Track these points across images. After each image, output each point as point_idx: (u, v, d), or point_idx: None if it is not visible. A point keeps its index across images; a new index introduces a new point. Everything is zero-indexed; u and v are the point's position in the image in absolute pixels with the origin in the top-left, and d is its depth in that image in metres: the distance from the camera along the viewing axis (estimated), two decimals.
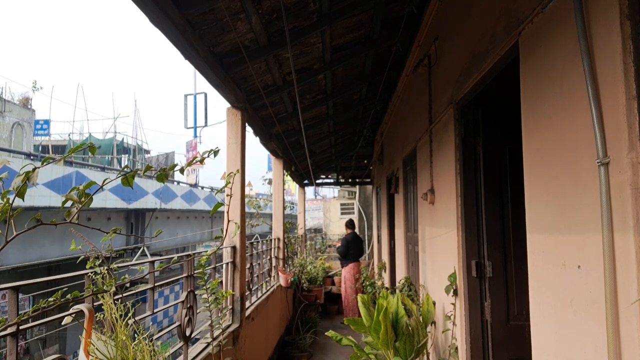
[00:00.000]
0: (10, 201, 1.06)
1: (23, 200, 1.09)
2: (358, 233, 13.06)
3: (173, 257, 2.32)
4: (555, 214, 1.63)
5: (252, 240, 4.80)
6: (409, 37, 4.28)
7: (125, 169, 1.29)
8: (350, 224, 8.20)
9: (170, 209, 19.10)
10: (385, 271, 8.03)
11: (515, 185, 2.62)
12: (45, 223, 1.16)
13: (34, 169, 1.08)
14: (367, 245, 12.15)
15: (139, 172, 1.36)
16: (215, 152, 1.54)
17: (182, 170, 1.45)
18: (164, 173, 1.37)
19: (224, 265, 3.44)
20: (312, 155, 7.44)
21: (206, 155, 1.52)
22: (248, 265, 4.11)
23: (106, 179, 1.25)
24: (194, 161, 1.53)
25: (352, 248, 7.83)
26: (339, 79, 4.95)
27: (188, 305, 2.51)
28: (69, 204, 1.18)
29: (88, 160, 17.31)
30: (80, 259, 1.76)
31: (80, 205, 1.17)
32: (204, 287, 2.78)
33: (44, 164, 1.10)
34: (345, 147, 9.30)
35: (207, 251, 2.85)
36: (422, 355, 3.05)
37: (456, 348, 3.01)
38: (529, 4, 1.77)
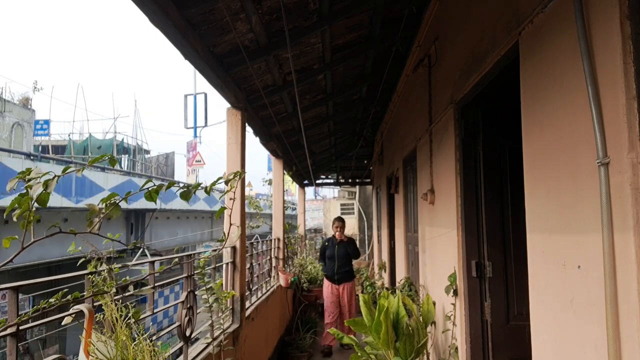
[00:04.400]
0: (31, 208, 1.06)
1: (45, 207, 1.09)
2: (358, 233, 13.11)
3: (174, 258, 2.32)
4: (555, 214, 1.63)
5: (252, 241, 4.80)
6: (409, 37, 4.28)
7: (149, 183, 1.28)
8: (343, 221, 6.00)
9: (170, 209, 19.08)
10: (385, 271, 8.03)
11: (515, 185, 2.62)
12: (64, 232, 1.15)
13: (54, 177, 1.08)
14: (367, 246, 12.15)
15: (163, 187, 1.36)
16: (240, 174, 1.56)
17: (207, 191, 1.47)
18: (188, 191, 1.38)
19: (224, 266, 3.44)
20: (312, 155, 7.44)
21: (231, 177, 1.54)
22: (248, 266, 4.10)
23: (129, 192, 1.25)
24: (217, 182, 1.55)
25: None
26: (339, 79, 4.95)
27: (188, 306, 2.51)
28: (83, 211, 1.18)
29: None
30: (80, 261, 1.77)
31: (102, 215, 1.17)
32: (204, 288, 2.78)
33: (65, 173, 1.10)
34: (345, 147, 9.30)
35: (206, 251, 2.86)
36: (422, 355, 3.05)
37: (456, 348, 3.01)
38: (529, 4, 1.77)
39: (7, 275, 11.26)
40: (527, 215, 1.87)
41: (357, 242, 12.61)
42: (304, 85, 4.32)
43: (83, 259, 1.75)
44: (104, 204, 1.19)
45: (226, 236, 2.07)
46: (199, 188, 1.46)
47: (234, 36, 2.74)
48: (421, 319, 3.21)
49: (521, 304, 2.66)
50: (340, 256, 5.64)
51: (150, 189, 1.28)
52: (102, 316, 1.69)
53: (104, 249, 1.76)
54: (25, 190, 1.07)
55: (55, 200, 11.68)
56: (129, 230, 16.70)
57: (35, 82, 26.19)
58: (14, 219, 1.07)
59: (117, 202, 1.19)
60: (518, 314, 2.71)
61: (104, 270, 1.70)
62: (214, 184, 1.53)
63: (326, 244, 5.91)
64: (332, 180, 12.38)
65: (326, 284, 5.77)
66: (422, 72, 3.93)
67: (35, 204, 1.08)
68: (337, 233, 5.72)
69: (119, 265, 1.80)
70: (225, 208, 1.83)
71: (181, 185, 1.41)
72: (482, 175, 2.82)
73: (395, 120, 6.40)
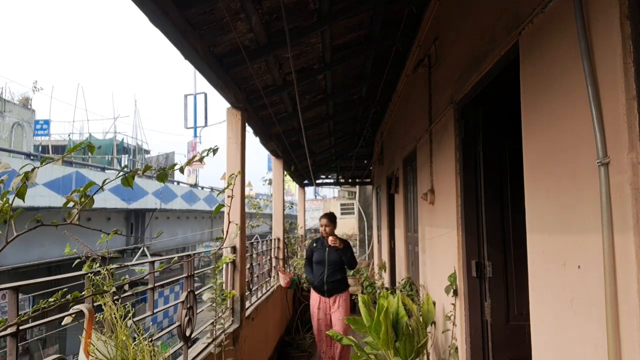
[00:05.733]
0: (10, 201, 1.06)
1: (23, 200, 1.09)
2: (358, 233, 13.09)
3: (173, 258, 2.32)
4: (555, 214, 1.63)
5: (252, 241, 4.80)
6: (409, 37, 4.28)
7: (125, 169, 1.30)
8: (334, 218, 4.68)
9: (170, 209, 19.10)
10: (385, 271, 8.03)
11: (515, 185, 2.62)
12: (46, 224, 1.16)
13: (33, 169, 1.08)
14: (367, 246, 12.15)
15: (138, 172, 1.37)
16: (214, 151, 1.54)
17: (181, 170, 1.46)
18: (164, 173, 1.38)
19: (224, 266, 3.44)
20: (312, 155, 7.44)
21: (205, 154, 1.52)
22: (248, 266, 4.10)
23: (106, 180, 1.26)
24: (194, 160, 1.53)
25: None
26: (339, 79, 4.95)
27: (188, 306, 2.51)
28: (70, 204, 1.19)
29: (88, 161, 17.32)
30: (76, 262, 1.77)
31: (80, 207, 1.17)
32: (212, 287, 2.78)
33: (43, 164, 1.10)
34: (345, 147, 9.30)
35: (208, 251, 2.86)
36: (422, 356, 3.05)
37: (456, 348, 3.01)
38: (529, 4, 1.77)
39: (7, 275, 11.27)
40: (527, 215, 1.87)
41: (357, 243, 12.62)
42: (304, 85, 4.32)
43: (78, 260, 1.75)
44: (80, 194, 1.19)
45: (225, 234, 2.07)
46: (174, 169, 1.47)
47: (234, 36, 2.74)
48: (421, 319, 3.21)
49: (521, 304, 2.66)
50: (332, 261, 4.40)
51: (127, 174, 1.30)
52: (101, 316, 1.69)
53: (103, 248, 1.76)
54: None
55: (55, 200, 11.69)
56: (129, 230, 16.70)
57: (35, 82, 26.25)
58: None
59: (93, 193, 1.20)
60: (518, 314, 2.71)
61: (103, 269, 1.70)
62: (189, 162, 1.52)
63: (314, 245, 4.63)
64: (332, 180, 12.39)
65: (313, 296, 4.51)
66: (422, 72, 3.93)
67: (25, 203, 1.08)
68: (331, 238, 4.37)
69: (116, 265, 1.80)
70: (223, 205, 1.82)
71: (158, 168, 1.41)
72: (482, 175, 2.82)
73: (395, 120, 6.40)
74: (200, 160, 1.53)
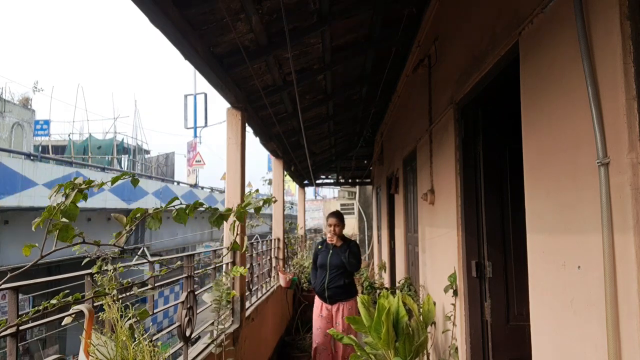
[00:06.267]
0: (54, 213, 1.05)
1: (74, 221, 1.08)
2: (358, 233, 13.08)
3: (173, 258, 2.32)
4: (555, 214, 1.63)
5: (252, 241, 4.80)
6: (409, 37, 4.28)
7: (176, 201, 1.22)
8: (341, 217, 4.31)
9: (170, 209, 19.04)
10: (385, 271, 8.04)
11: (516, 185, 2.62)
12: (89, 242, 1.13)
13: (74, 189, 1.07)
14: (367, 246, 12.16)
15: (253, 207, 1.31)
16: (274, 201, 1.51)
17: (257, 210, 1.40)
18: (221, 215, 1.33)
19: (224, 266, 3.44)
20: (312, 156, 7.43)
21: (262, 204, 1.49)
22: (248, 266, 4.10)
23: (159, 209, 1.20)
24: (255, 204, 1.47)
25: None
26: (339, 79, 4.95)
27: (188, 306, 2.51)
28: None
29: (88, 161, 17.31)
30: (85, 261, 1.77)
31: (127, 230, 1.14)
32: (219, 289, 2.79)
33: (90, 186, 1.09)
34: (345, 147, 9.30)
35: (208, 251, 2.86)
36: (422, 356, 3.05)
37: (456, 348, 3.01)
38: (529, 4, 1.77)
39: (7, 275, 11.26)
40: (527, 215, 1.87)
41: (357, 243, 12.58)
42: (304, 85, 4.32)
43: (88, 259, 1.75)
44: (131, 218, 1.17)
45: (234, 238, 2.06)
46: (231, 212, 1.40)
47: (234, 36, 2.74)
48: (421, 319, 3.21)
49: (521, 304, 2.66)
50: (334, 264, 4.04)
51: (177, 207, 1.15)
52: (103, 315, 1.69)
53: (108, 249, 1.76)
54: (63, 198, 1.07)
55: (56, 200, 11.66)
56: (129, 230, 16.66)
57: (36, 82, 26.27)
58: (33, 229, 1.07)
59: (159, 211, 1.16)
60: (518, 314, 2.71)
61: (109, 270, 1.70)
62: (243, 207, 1.47)
63: (319, 247, 4.30)
64: (332, 180, 12.40)
65: (316, 303, 4.20)
66: (422, 72, 3.93)
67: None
68: (329, 235, 4.13)
69: (123, 264, 1.80)
70: (237, 235, 1.81)
71: (205, 206, 1.32)
72: (482, 175, 2.82)
73: (395, 120, 6.40)
74: (257, 210, 1.47)
